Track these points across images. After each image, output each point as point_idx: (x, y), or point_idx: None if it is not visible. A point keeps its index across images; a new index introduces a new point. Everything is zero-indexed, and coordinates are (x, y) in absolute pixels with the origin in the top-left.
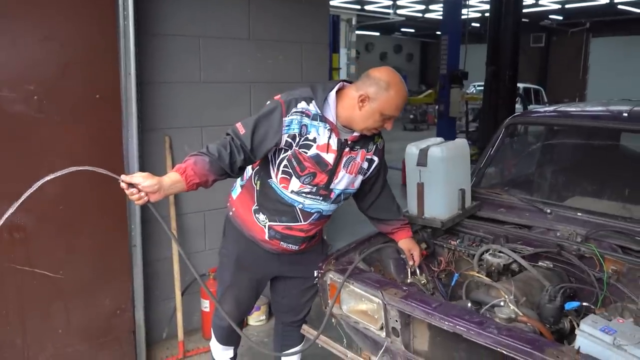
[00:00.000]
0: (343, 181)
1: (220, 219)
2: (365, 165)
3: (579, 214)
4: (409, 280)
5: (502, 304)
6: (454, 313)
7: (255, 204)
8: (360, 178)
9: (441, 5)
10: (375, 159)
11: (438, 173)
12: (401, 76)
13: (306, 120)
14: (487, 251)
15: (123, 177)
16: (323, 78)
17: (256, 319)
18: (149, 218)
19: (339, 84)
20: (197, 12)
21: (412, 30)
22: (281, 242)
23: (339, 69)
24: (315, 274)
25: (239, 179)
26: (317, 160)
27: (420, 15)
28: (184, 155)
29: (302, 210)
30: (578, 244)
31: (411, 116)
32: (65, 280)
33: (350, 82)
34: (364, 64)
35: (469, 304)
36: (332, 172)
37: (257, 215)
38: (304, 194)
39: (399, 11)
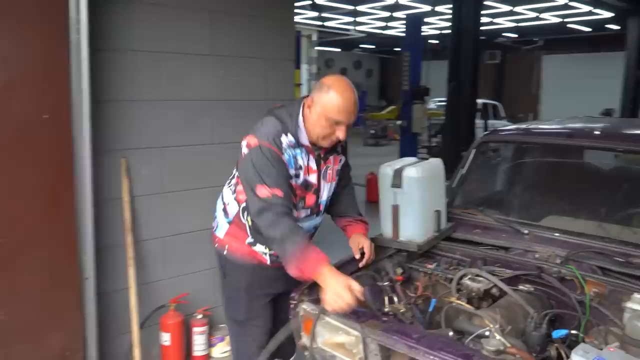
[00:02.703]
0: (325, 191)
1: (183, 244)
2: (339, 167)
3: (556, 234)
4: (386, 309)
5: (487, 333)
6: (439, 346)
7: (250, 237)
8: (337, 180)
9: (401, 22)
10: (343, 157)
11: (413, 194)
12: (352, 84)
13: (292, 152)
14: (465, 275)
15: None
16: (289, 95)
17: (220, 350)
18: (103, 246)
19: (301, 103)
20: (156, 27)
21: (372, 46)
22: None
23: (300, 85)
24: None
25: (222, 216)
26: (305, 184)
27: (380, 31)
28: (142, 178)
29: None
30: (558, 266)
31: (372, 132)
32: (8, 323)
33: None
34: None
35: (451, 333)
36: (317, 191)
37: (254, 247)
38: (300, 220)
39: (359, 27)
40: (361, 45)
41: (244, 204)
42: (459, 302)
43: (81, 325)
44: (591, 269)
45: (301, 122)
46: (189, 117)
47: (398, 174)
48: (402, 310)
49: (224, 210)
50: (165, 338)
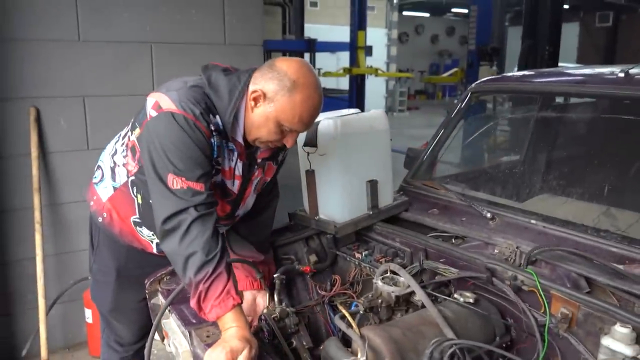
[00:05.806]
0: (249, 201)
1: None
2: (270, 178)
3: (532, 220)
4: (264, 310)
5: None
6: None
7: (137, 216)
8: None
9: None
10: (275, 166)
11: (332, 157)
12: (317, 75)
13: (217, 141)
14: (385, 272)
15: None
16: (256, 39)
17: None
18: (7, 207)
19: (247, 80)
20: None
21: (465, 11)
22: None
23: (366, 48)
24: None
25: (109, 175)
26: (221, 188)
27: None
28: (60, 132)
29: None
30: (515, 270)
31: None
32: None
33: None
34: (413, 47)
35: None
36: (236, 202)
37: (139, 228)
38: None
39: None
40: (453, 10)
41: (132, 177)
42: (345, 310)
43: None
44: (567, 277)
45: (242, 111)
46: (117, 61)
47: (313, 129)
48: (274, 316)
49: (112, 170)
50: (88, 315)
